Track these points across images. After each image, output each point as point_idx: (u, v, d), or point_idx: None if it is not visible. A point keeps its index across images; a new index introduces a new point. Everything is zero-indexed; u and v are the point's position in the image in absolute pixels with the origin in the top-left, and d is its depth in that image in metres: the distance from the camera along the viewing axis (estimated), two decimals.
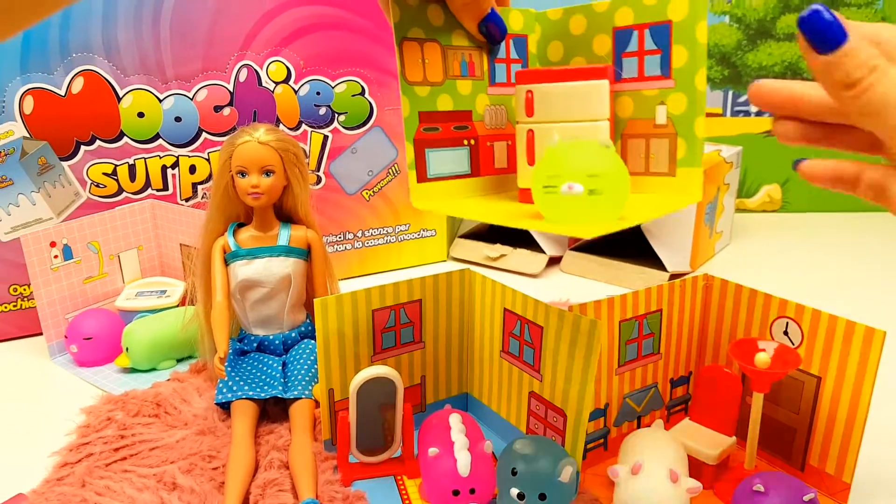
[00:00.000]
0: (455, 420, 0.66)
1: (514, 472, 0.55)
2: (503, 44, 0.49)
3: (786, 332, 0.65)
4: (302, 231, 0.82)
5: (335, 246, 1.20)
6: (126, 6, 0.97)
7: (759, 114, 1.56)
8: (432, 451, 0.62)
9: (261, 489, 0.65)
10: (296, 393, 0.76)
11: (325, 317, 0.66)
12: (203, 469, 0.68)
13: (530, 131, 0.47)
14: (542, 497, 0.54)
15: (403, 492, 0.66)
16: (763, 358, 0.60)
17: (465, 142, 0.46)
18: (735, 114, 1.58)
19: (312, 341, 0.82)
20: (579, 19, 0.47)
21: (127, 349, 0.89)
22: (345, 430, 0.66)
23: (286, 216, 0.83)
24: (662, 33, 0.43)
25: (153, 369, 0.90)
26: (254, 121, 1.03)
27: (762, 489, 0.55)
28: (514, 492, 0.55)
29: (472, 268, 0.79)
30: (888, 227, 1.46)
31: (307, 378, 0.77)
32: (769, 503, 0.54)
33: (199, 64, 1.03)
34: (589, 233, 0.39)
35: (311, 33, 1.08)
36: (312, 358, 0.80)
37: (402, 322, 0.72)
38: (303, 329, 0.84)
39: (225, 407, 0.78)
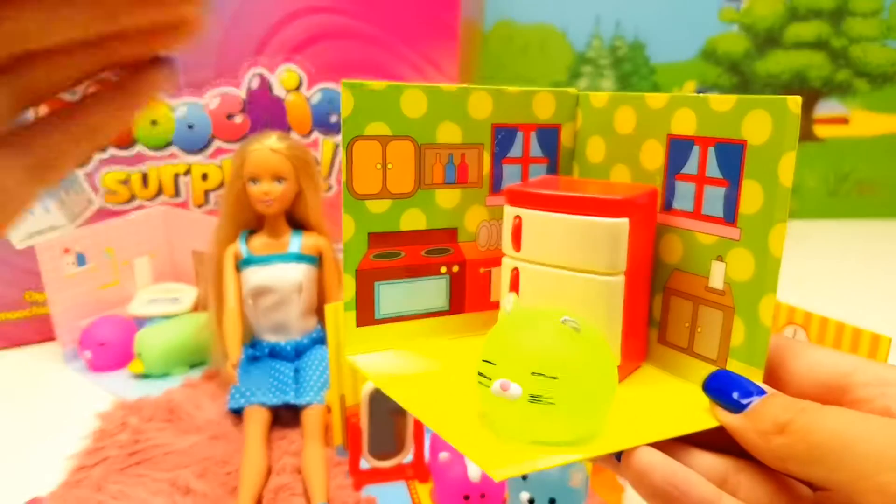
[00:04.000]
0: None
1: (524, 477, 0.56)
2: (519, 137, 0.34)
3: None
4: (313, 238, 0.83)
5: None
6: None
7: None
8: (443, 456, 0.63)
9: (273, 494, 0.66)
10: (308, 399, 0.76)
11: (336, 323, 0.67)
12: (216, 474, 0.69)
13: (515, 270, 0.32)
14: (553, 502, 0.55)
15: (414, 496, 0.67)
16: None
17: (443, 269, 0.34)
18: None
19: (324, 347, 0.83)
20: (627, 113, 0.32)
21: (140, 355, 0.90)
22: (356, 436, 0.67)
23: (298, 223, 0.83)
24: (732, 157, 0.28)
25: (166, 375, 0.91)
26: (265, 128, 1.04)
27: None
28: (525, 496, 0.55)
29: None
30: (894, 234, 1.46)
31: (319, 384, 0.78)
32: None
33: (211, 71, 1.04)
34: (505, 468, 0.24)
35: (321, 41, 1.09)
36: (324, 364, 0.80)
37: None
38: (314, 335, 0.84)
39: (237, 412, 0.79)
